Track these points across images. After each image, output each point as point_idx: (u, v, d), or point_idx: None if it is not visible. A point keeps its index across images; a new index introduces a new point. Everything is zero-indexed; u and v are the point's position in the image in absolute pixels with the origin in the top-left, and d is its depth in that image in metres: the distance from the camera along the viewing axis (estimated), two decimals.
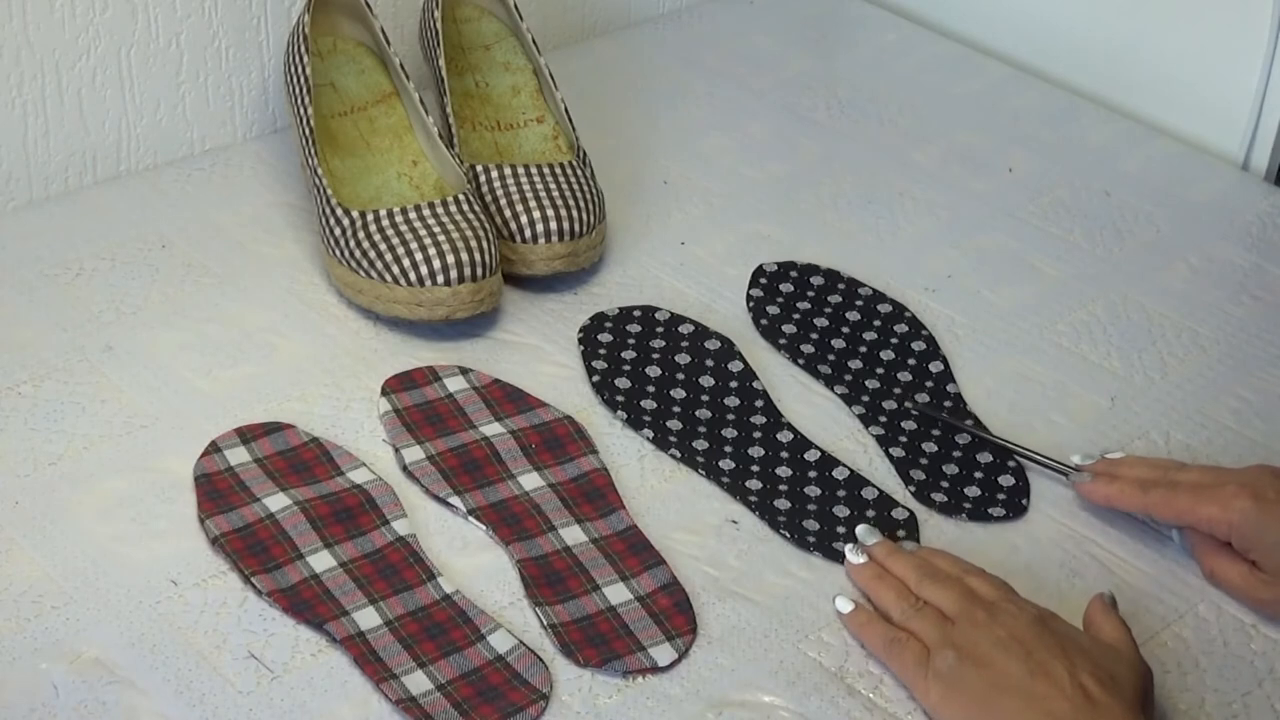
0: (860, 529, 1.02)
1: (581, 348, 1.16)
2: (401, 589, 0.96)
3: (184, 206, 1.28)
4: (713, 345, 1.16)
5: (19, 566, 0.97)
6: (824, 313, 1.20)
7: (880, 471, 1.08)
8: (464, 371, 1.12)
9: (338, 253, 1.17)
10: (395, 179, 1.24)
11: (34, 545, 0.98)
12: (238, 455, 1.04)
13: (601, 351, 1.15)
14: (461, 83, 1.32)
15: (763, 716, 0.91)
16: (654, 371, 1.14)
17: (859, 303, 1.21)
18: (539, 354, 1.16)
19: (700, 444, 1.08)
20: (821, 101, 1.47)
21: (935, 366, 1.16)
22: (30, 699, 0.89)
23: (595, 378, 1.13)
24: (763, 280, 1.23)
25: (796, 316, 1.20)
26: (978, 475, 1.07)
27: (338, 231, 1.17)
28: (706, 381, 1.13)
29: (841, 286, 1.23)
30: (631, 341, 1.16)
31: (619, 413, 1.11)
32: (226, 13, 1.31)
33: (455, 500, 1.03)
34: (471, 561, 1.00)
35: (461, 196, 1.18)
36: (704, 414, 1.11)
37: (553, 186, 1.21)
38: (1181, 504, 0.99)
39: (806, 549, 1.01)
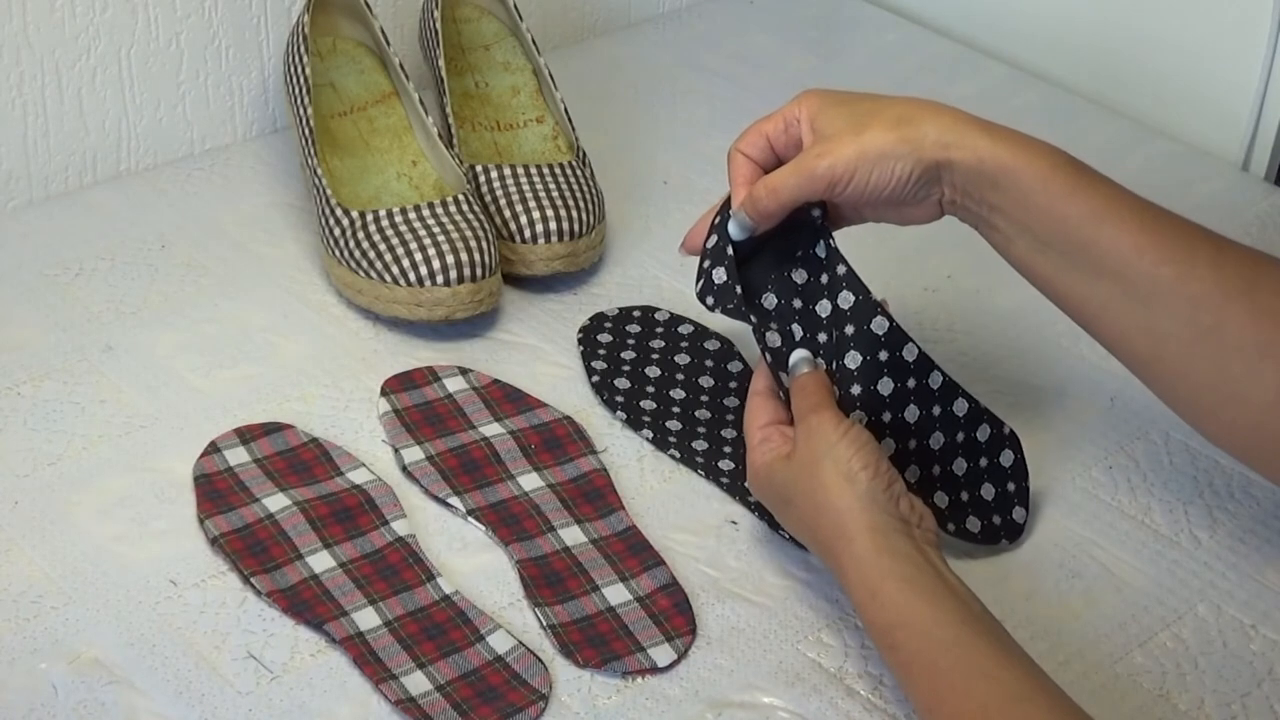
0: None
1: (581, 348, 1.16)
2: (401, 589, 0.96)
3: (184, 206, 1.28)
4: (712, 345, 1.16)
5: (18, 566, 0.97)
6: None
7: None
8: (463, 372, 1.12)
9: (337, 253, 1.17)
10: (395, 179, 1.24)
11: (33, 545, 0.98)
12: (237, 455, 1.04)
13: (601, 352, 1.15)
14: (461, 83, 1.32)
15: (762, 717, 0.91)
16: (654, 372, 1.14)
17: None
18: (538, 354, 1.16)
19: (700, 444, 1.08)
20: None
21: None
22: (29, 699, 0.89)
23: (595, 378, 1.13)
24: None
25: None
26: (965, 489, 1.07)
27: (337, 231, 1.17)
28: (706, 382, 1.13)
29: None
30: (631, 342, 1.16)
31: (618, 413, 1.10)
32: (226, 13, 1.31)
33: (455, 500, 1.03)
34: (471, 562, 1.00)
35: (461, 197, 1.18)
36: (704, 414, 1.11)
37: (552, 187, 1.21)
38: (764, 127, 1.01)
39: (805, 549, 1.01)
